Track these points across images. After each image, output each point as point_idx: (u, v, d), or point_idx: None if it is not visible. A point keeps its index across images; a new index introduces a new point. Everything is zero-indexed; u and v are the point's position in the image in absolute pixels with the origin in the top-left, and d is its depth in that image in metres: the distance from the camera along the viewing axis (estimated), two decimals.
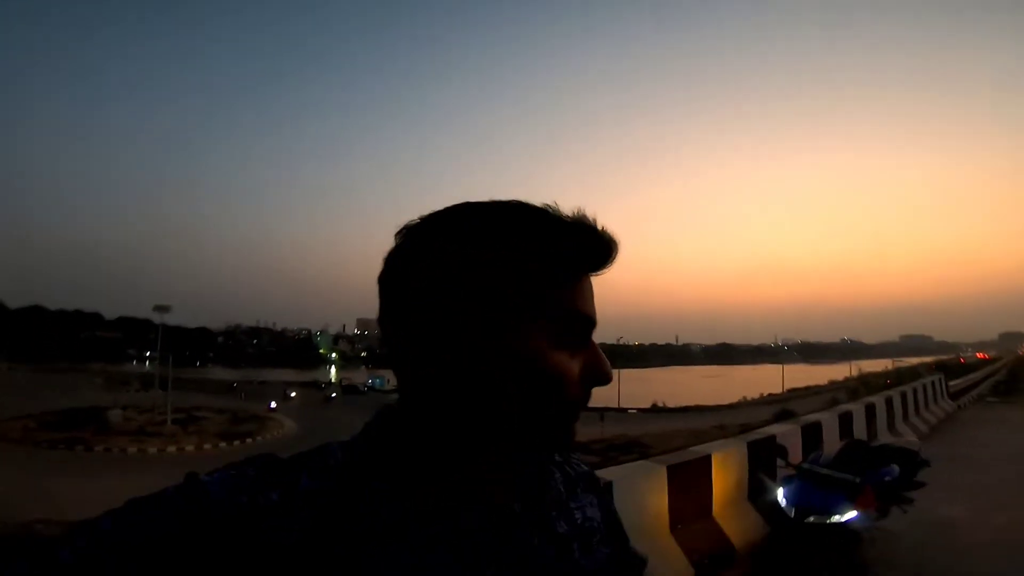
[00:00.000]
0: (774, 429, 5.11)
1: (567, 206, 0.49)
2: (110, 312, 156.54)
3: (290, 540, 0.40)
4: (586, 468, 0.62)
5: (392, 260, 0.49)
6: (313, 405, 48.94)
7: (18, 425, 30.01)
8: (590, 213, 0.49)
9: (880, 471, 3.73)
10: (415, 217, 0.50)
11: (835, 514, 3.36)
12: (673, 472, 3.69)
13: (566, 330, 0.47)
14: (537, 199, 0.50)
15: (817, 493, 3.46)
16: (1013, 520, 4.87)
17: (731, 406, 53.27)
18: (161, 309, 48.94)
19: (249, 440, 29.97)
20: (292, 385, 66.47)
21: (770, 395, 63.10)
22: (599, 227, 0.49)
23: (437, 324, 0.46)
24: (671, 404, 56.45)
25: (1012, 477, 6.42)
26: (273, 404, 44.16)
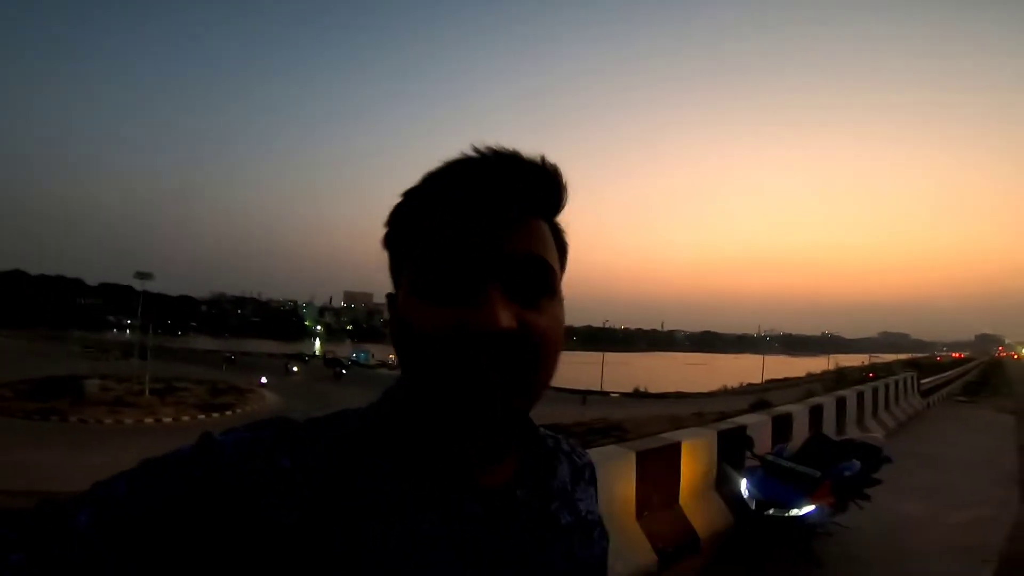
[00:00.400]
0: (745, 419, 5.18)
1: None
2: (92, 278, 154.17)
3: (291, 517, 0.39)
4: (589, 459, 0.60)
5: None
6: (315, 380, 47.25)
7: None
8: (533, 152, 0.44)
9: (841, 466, 3.79)
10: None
11: (794, 507, 3.42)
12: (642, 458, 3.70)
13: (422, 277, 0.43)
14: None
15: (778, 486, 3.51)
16: (969, 520, 4.97)
17: (711, 394, 53.99)
18: (143, 276, 47.97)
19: (228, 412, 29.79)
20: (292, 359, 64.91)
21: (749, 385, 64.26)
22: (486, 155, 0.43)
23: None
24: (653, 390, 57.05)
25: (971, 477, 6.58)
26: (264, 380, 40.88)
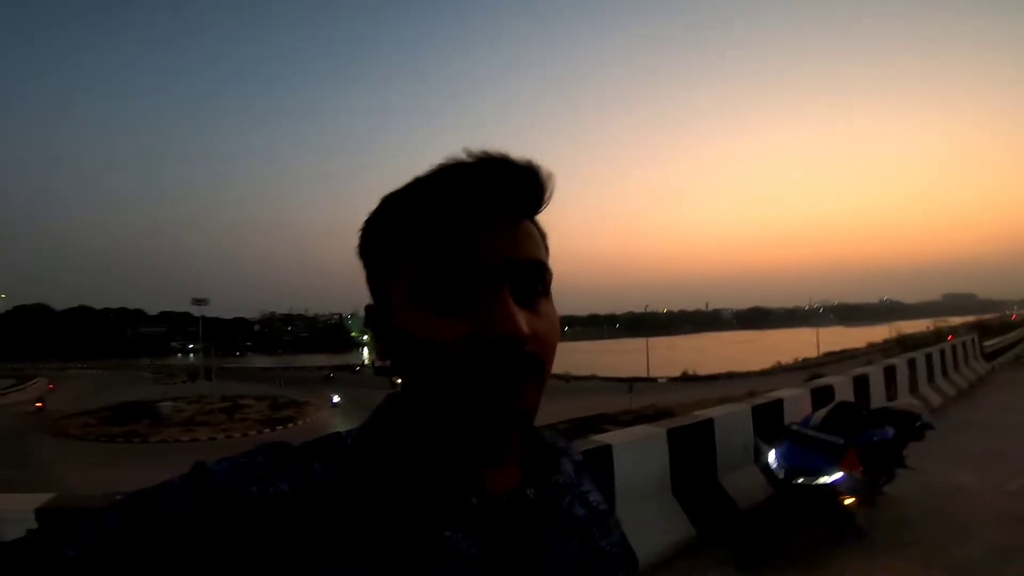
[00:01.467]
0: (782, 393, 5.21)
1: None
2: (152, 307, 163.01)
3: (300, 537, 0.38)
4: (580, 457, 0.61)
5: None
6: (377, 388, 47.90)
7: (77, 422, 32.15)
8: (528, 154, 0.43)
9: (868, 433, 3.81)
10: None
11: (822, 475, 3.47)
12: (674, 435, 3.84)
13: (426, 287, 0.41)
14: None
15: (803, 454, 3.56)
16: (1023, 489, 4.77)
17: (764, 372, 52.42)
18: (199, 302, 50.77)
19: (291, 424, 31.39)
20: (333, 369, 66.36)
21: (804, 360, 61.84)
22: (471, 159, 0.41)
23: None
24: (702, 372, 55.73)
25: None
26: (336, 399, 38.78)
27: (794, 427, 3.82)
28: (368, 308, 0.47)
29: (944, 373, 9.50)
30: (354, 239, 0.47)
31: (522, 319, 0.40)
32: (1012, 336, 16.82)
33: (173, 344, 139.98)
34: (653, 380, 50.74)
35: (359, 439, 0.45)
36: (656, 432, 3.81)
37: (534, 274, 0.43)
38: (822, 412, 3.94)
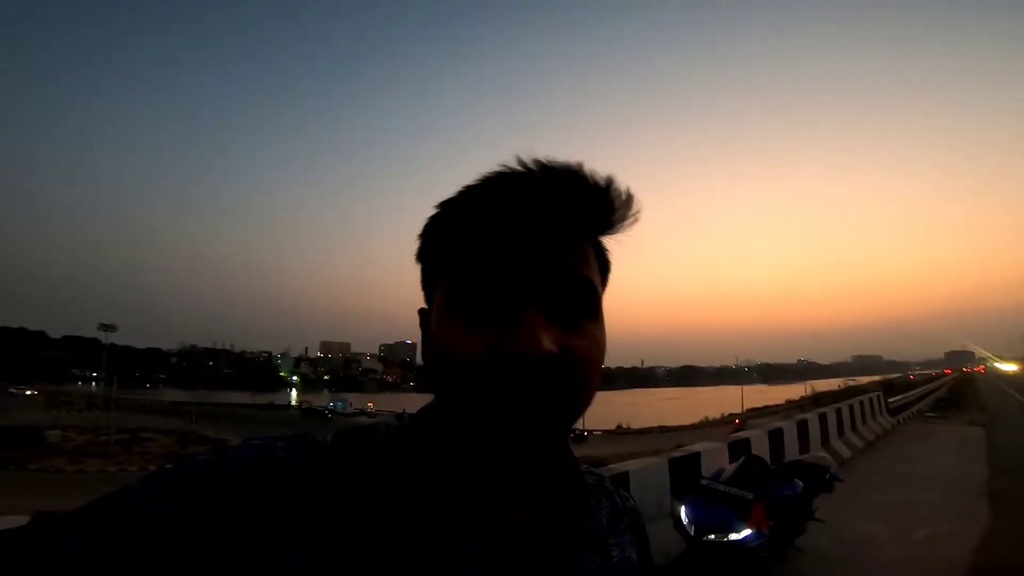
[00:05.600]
0: (699, 447, 5.19)
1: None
2: (56, 331, 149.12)
3: (307, 542, 0.36)
4: (633, 504, 0.56)
5: None
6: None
7: None
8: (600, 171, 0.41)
9: (777, 487, 3.80)
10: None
11: (731, 531, 3.40)
12: None
13: (457, 295, 0.40)
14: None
15: (712, 509, 3.50)
16: (932, 536, 4.97)
17: (693, 426, 54.02)
18: (107, 328, 46.79)
19: None
20: (273, 409, 62.87)
21: (730, 414, 64.29)
22: (533, 174, 0.40)
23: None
24: (635, 426, 56.85)
25: (938, 492, 6.60)
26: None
27: (704, 482, 3.76)
28: (420, 312, 0.47)
29: (853, 427, 9.98)
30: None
31: (548, 337, 0.38)
32: (914, 394, 18.23)
33: (74, 371, 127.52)
34: (589, 432, 51.03)
35: (394, 438, 0.44)
36: None
37: (576, 290, 0.41)
38: (732, 467, 3.91)
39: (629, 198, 0.42)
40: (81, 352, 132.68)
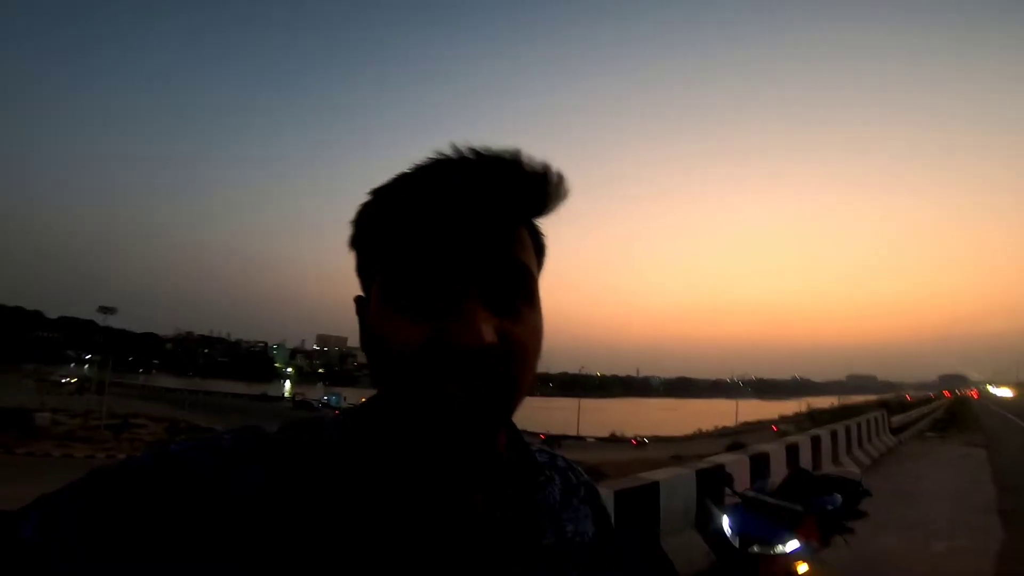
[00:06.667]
0: (723, 458, 5.12)
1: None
2: (54, 311, 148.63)
3: (259, 535, 0.36)
4: (587, 478, 0.57)
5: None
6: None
7: None
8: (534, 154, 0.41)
9: (823, 500, 3.74)
10: None
11: (778, 544, 3.33)
12: (621, 497, 3.61)
13: (393, 285, 0.40)
14: None
15: (761, 522, 3.43)
16: (948, 550, 4.97)
17: (687, 438, 54.07)
18: (106, 311, 46.70)
19: None
20: (255, 399, 62.56)
21: (724, 428, 64.40)
22: (466, 156, 0.40)
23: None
24: (629, 434, 56.97)
25: (946, 510, 6.60)
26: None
27: (749, 494, 3.68)
28: (356, 300, 0.46)
29: (860, 444, 10.07)
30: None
31: (488, 325, 0.38)
32: (914, 414, 18.34)
33: (69, 353, 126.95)
34: (582, 439, 51.10)
35: (341, 430, 0.44)
36: (603, 493, 3.53)
37: (513, 277, 0.41)
38: (778, 478, 3.85)
39: (561, 180, 0.42)
40: (77, 333, 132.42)
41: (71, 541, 0.33)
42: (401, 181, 0.42)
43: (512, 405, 0.41)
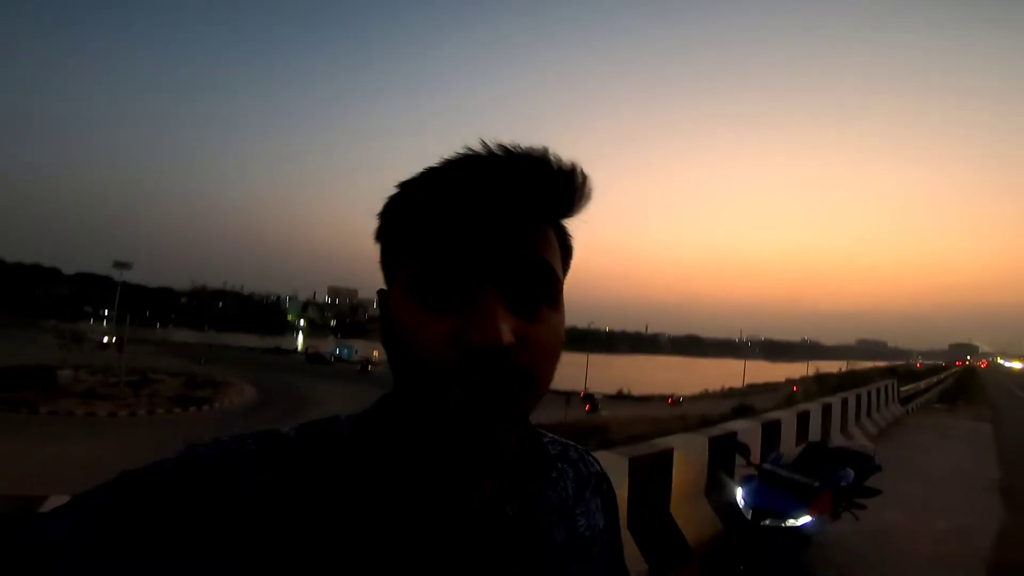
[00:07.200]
0: (735, 426, 5.11)
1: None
2: (70, 268, 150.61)
3: (271, 533, 0.37)
4: (599, 468, 0.56)
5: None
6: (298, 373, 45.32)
7: None
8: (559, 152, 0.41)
9: (838, 475, 3.73)
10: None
11: (791, 517, 3.34)
12: (635, 464, 3.61)
13: (417, 280, 0.40)
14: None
15: (776, 495, 3.43)
16: (954, 527, 4.98)
17: (692, 398, 54.52)
18: (121, 266, 47.00)
19: (206, 407, 29.24)
20: (280, 353, 62.73)
21: (730, 389, 64.78)
22: (493, 154, 0.40)
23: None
24: (636, 392, 57.47)
25: (954, 485, 6.62)
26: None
27: (766, 466, 3.67)
28: (379, 292, 0.46)
29: (868, 414, 10.01)
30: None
31: (507, 325, 0.38)
32: (923, 384, 18.20)
33: (86, 309, 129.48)
34: (627, 397, 51.88)
35: (355, 429, 0.44)
36: (617, 460, 3.54)
37: (537, 278, 0.41)
38: (794, 451, 3.83)
39: (587, 181, 0.42)
40: (94, 289, 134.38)
41: (102, 543, 0.34)
42: (428, 176, 0.42)
43: (529, 405, 0.41)
